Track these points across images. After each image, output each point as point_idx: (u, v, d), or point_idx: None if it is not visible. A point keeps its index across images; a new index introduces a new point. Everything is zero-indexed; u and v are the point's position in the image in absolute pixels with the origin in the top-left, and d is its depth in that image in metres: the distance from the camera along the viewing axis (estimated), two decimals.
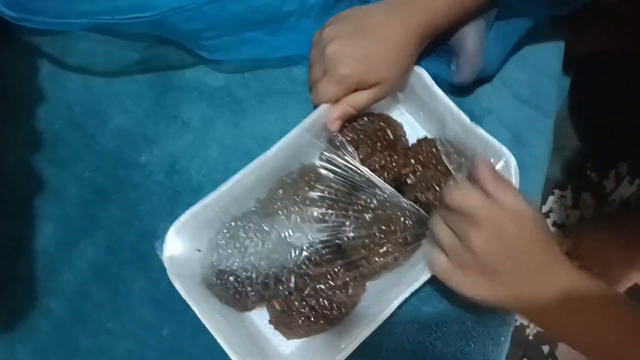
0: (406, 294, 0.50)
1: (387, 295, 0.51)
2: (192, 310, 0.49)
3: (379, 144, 0.56)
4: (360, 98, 0.54)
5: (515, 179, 0.53)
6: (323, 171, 0.55)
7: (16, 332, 0.56)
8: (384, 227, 0.52)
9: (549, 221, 0.81)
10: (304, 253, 0.52)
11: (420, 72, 0.56)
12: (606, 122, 0.81)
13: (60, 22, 0.53)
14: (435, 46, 0.58)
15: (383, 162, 0.55)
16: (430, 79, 0.56)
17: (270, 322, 0.54)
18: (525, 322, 0.84)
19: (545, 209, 0.82)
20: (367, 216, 0.53)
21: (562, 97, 0.77)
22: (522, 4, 0.60)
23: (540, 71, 0.66)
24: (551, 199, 0.81)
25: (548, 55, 0.67)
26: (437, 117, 0.57)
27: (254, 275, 0.52)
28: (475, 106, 0.63)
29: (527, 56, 0.66)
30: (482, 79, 0.62)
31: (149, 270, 0.57)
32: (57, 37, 0.62)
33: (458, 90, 0.62)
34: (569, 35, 0.71)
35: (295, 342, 0.54)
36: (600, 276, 0.76)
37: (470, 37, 0.56)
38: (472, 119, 0.58)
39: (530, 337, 0.81)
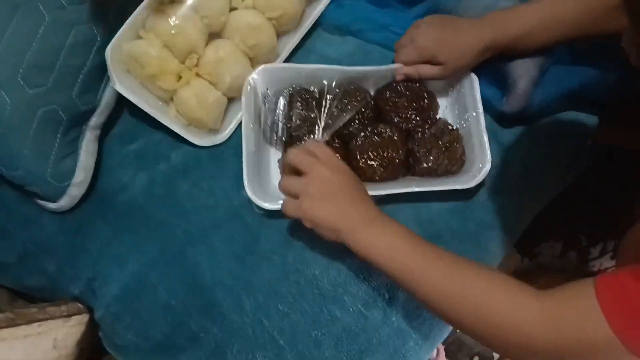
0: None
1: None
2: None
3: (414, 104, 0.79)
4: (425, 68, 0.77)
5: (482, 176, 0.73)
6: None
7: None
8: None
9: (536, 262, 0.99)
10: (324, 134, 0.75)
11: (474, 77, 0.78)
12: (611, 204, 0.98)
13: None
14: (496, 80, 0.79)
15: (408, 116, 0.78)
16: (478, 83, 0.77)
17: (279, 161, 0.78)
18: None
19: (537, 250, 0.99)
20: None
21: (584, 170, 0.94)
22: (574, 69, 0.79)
23: (565, 136, 0.84)
24: (544, 245, 0.99)
25: (576, 128, 0.84)
26: (464, 112, 0.79)
27: (288, 126, 0.76)
28: (505, 139, 0.82)
29: (560, 122, 0.84)
30: (522, 117, 0.81)
31: None
32: None
33: (501, 124, 0.82)
34: (602, 124, 0.89)
35: None
36: None
37: (523, 81, 0.76)
38: (500, 146, 0.79)
39: None
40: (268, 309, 0.75)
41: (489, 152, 0.74)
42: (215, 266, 0.76)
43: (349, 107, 0.76)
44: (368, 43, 0.87)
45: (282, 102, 0.76)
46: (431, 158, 0.75)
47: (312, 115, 0.76)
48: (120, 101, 0.78)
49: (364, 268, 0.76)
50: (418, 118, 0.78)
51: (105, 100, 0.77)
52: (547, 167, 0.83)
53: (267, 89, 0.78)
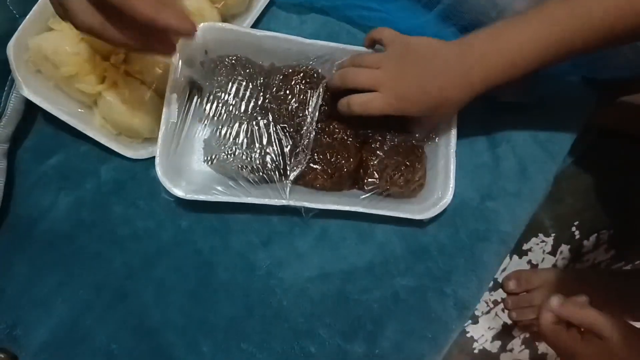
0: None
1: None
2: None
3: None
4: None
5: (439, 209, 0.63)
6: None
7: None
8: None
9: (526, 258, 0.91)
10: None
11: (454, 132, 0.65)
12: (603, 192, 0.91)
13: None
14: None
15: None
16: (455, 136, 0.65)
17: (204, 141, 0.63)
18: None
19: (526, 246, 0.91)
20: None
21: (573, 157, 0.85)
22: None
23: (561, 124, 0.74)
24: (534, 240, 0.90)
25: (572, 115, 0.75)
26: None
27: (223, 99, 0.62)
28: (498, 132, 0.71)
29: (555, 108, 0.74)
30: (517, 106, 0.70)
31: None
32: None
33: (492, 114, 0.71)
34: (596, 106, 0.80)
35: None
36: None
37: None
38: (492, 141, 0.69)
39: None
40: (229, 350, 0.63)
41: (452, 181, 0.63)
42: (163, 304, 0.63)
43: (297, 89, 0.62)
44: (334, 21, 0.73)
45: (223, 70, 0.62)
46: (384, 174, 0.63)
47: (253, 93, 0.62)
48: (32, 107, 0.63)
49: (343, 293, 0.65)
50: (379, 123, 0.65)
51: (12, 107, 0.62)
52: (544, 162, 0.72)
53: (206, 52, 0.63)
